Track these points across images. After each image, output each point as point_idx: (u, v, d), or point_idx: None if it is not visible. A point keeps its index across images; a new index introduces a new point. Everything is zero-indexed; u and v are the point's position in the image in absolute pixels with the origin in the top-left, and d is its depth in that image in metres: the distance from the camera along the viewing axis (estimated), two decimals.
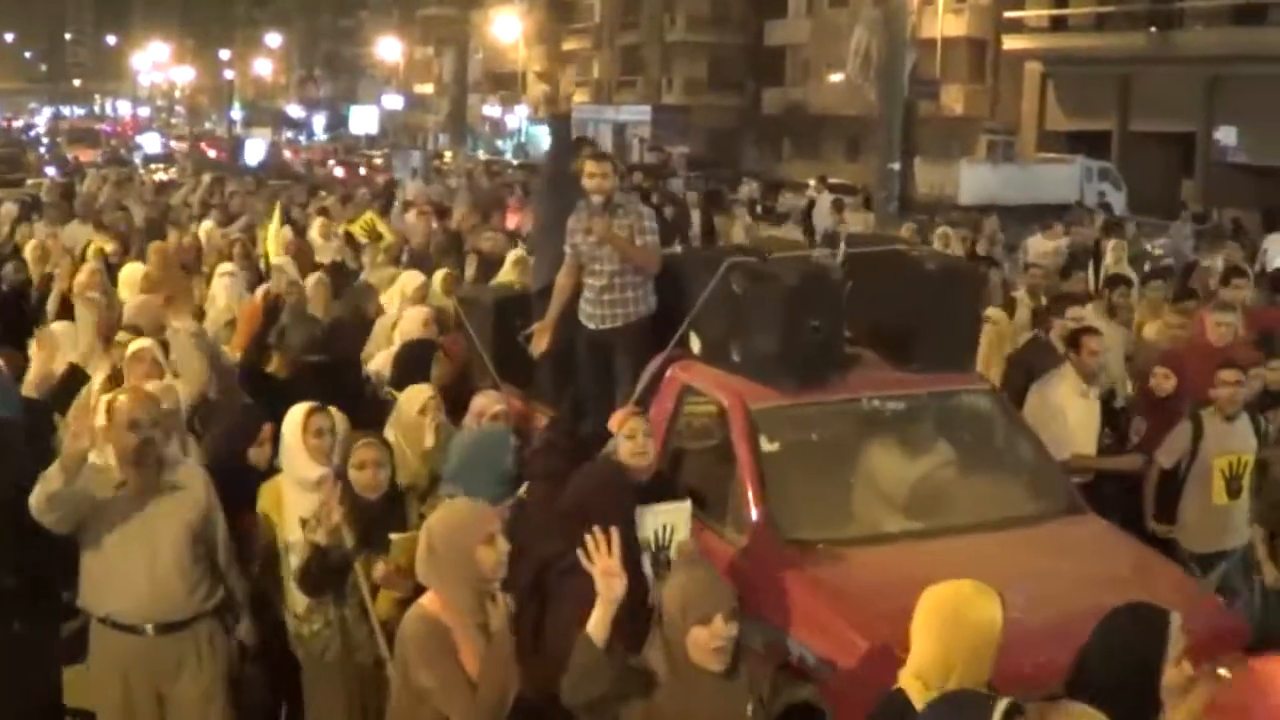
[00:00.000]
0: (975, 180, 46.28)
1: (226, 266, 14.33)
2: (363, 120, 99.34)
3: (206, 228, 19.73)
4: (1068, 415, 10.37)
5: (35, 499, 6.71)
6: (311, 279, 13.79)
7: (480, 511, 5.91)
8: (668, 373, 9.60)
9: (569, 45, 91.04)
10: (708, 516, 8.45)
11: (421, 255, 17.29)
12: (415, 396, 8.61)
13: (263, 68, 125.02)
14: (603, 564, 5.44)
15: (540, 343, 10.39)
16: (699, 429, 9.37)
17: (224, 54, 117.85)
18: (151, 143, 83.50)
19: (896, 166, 27.42)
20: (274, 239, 16.41)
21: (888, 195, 26.84)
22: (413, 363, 10.04)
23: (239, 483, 7.66)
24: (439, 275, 14.11)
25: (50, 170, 47.31)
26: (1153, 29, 49.65)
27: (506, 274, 14.43)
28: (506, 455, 8.41)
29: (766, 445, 8.78)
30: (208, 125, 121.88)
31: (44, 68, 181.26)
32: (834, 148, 66.53)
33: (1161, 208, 43.95)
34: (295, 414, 7.62)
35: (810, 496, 8.81)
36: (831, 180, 40.87)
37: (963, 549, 8.15)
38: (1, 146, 71.93)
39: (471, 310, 11.79)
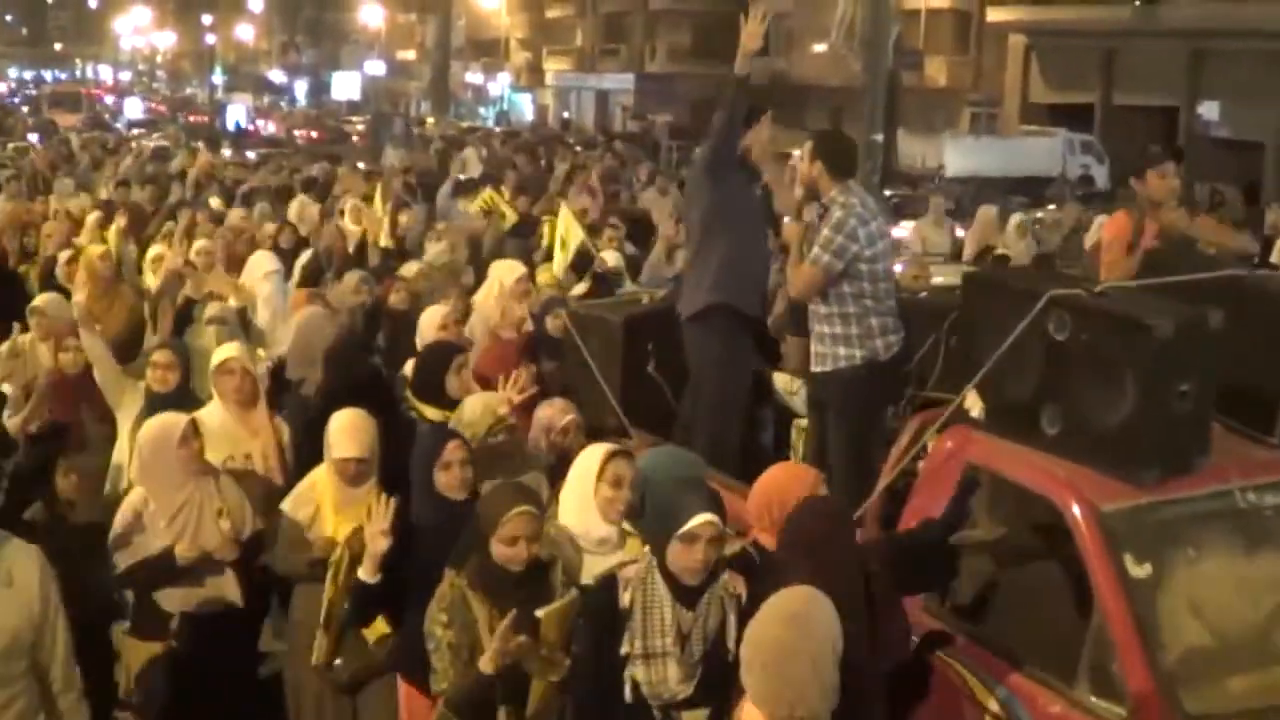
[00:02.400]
0: (959, 153, 46.20)
1: (266, 263, 12.68)
2: (345, 86, 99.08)
3: (235, 215, 18.27)
4: None
5: None
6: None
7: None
8: (937, 445, 7.29)
9: (552, 13, 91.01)
10: (1034, 667, 6.30)
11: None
12: (482, 416, 7.66)
13: (245, 33, 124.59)
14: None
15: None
16: (997, 533, 6.90)
17: (206, 19, 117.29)
18: (133, 108, 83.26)
19: (880, 138, 27.40)
20: (384, 226, 15.28)
21: (871, 166, 26.84)
22: (434, 371, 8.52)
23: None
24: (511, 271, 11.45)
25: (33, 136, 47.12)
26: (1137, 2, 49.57)
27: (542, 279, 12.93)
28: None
29: (1134, 569, 6.25)
30: (189, 90, 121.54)
31: (24, 31, 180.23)
32: (817, 118, 66.20)
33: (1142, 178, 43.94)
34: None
35: (1208, 645, 6.39)
36: None
37: None
38: None
39: (590, 330, 9.70)
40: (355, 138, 62.14)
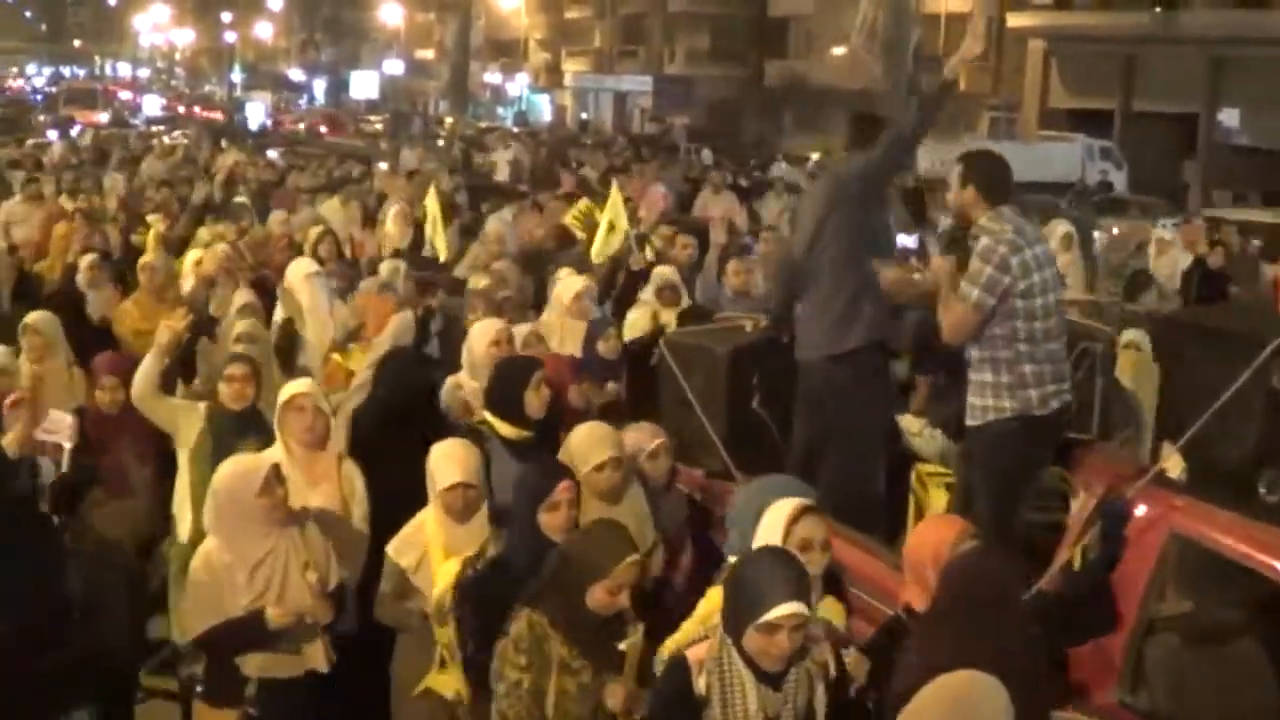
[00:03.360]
0: None
1: (306, 265, 11.59)
2: (363, 85, 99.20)
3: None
4: None
5: None
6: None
7: None
8: (1134, 510, 6.47)
9: (571, 14, 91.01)
10: None
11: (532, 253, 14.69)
12: (594, 448, 7.10)
13: (264, 31, 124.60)
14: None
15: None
16: (1206, 612, 6.10)
17: (225, 16, 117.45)
18: (152, 105, 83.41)
19: None
20: (440, 232, 14.78)
21: None
22: (512, 386, 7.84)
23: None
24: (570, 287, 10.82)
25: (52, 133, 47.16)
26: (1157, 9, 49.43)
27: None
28: None
29: None
30: (208, 88, 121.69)
31: (44, 27, 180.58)
32: (836, 121, 66.10)
33: (1163, 189, 43.94)
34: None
35: None
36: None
37: None
38: (2, 106, 72.08)
39: (691, 362, 8.95)
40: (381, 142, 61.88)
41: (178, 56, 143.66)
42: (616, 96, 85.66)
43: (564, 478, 6.50)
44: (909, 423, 9.15)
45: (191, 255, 13.40)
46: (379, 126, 68.30)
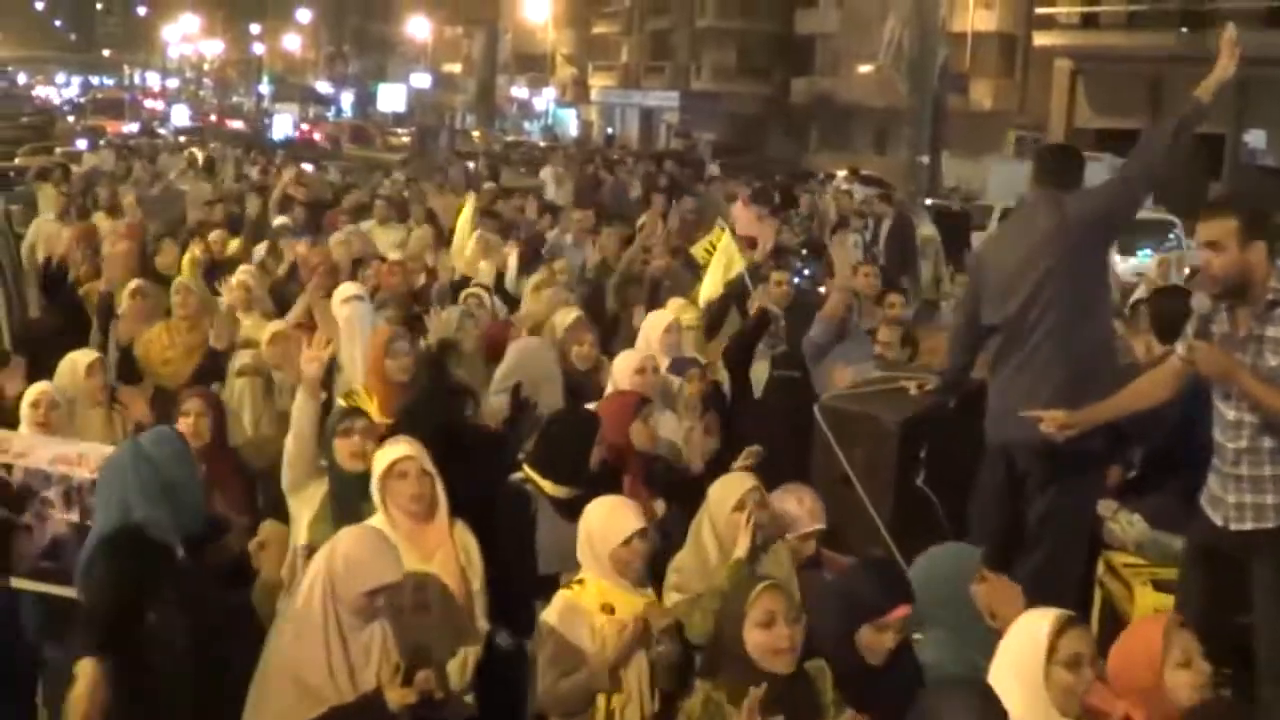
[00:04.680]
0: (1006, 176, 46.14)
1: (346, 288, 10.46)
2: (391, 98, 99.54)
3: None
4: None
5: None
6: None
7: None
8: None
9: (598, 29, 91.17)
10: None
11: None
12: (733, 487, 6.58)
13: (292, 43, 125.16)
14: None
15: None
16: None
17: (254, 28, 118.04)
18: (180, 115, 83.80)
19: (926, 160, 27.51)
20: (466, 247, 13.85)
21: (916, 189, 26.91)
22: (566, 446, 7.18)
23: None
24: (659, 323, 9.89)
25: (82, 142, 47.29)
26: (1184, 29, 49.45)
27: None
28: None
29: None
30: (235, 99, 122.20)
31: (73, 37, 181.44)
32: (862, 139, 66.44)
33: (1189, 209, 43.83)
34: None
35: None
36: (863, 172, 40.57)
37: None
38: (31, 115, 72.43)
39: (854, 434, 7.89)
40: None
41: (206, 67, 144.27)
42: (643, 112, 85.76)
43: (901, 600, 5.46)
44: (1102, 506, 8.05)
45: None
46: (405, 139, 68.49)
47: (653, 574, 6.39)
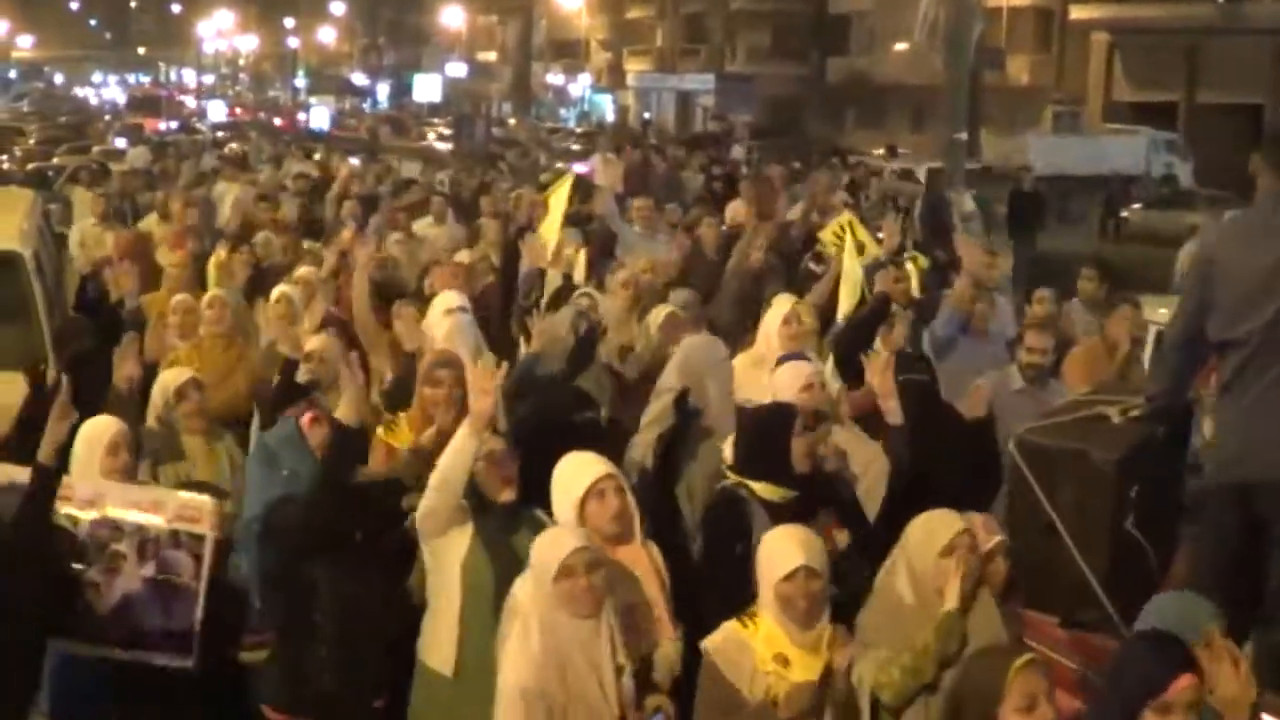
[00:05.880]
0: (1045, 151, 46.02)
1: (448, 299, 9.31)
2: (426, 88, 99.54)
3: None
4: None
5: None
6: None
7: None
8: None
9: (632, 13, 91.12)
10: None
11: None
12: (940, 529, 5.81)
13: (326, 35, 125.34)
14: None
15: None
16: None
17: (288, 22, 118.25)
18: (216, 111, 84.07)
19: (963, 136, 27.42)
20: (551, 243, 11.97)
21: (954, 165, 26.85)
22: (768, 439, 6.63)
23: None
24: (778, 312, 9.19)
25: (120, 141, 47.34)
26: (1222, 0, 49.27)
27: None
28: None
29: None
30: (271, 93, 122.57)
31: (108, 35, 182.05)
32: (898, 118, 66.25)
33: (1229, 181, 43.67)
34: None
35: None
36: (901, 150, 40.49)
37: None
38: (69, 114, 72.84)
39: (1059, 472, 6.71)
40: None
41: (241, 62, 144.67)
42: (679, 95, 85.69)
43: (1180, 669, 4.62)
44: None
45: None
46: (443, 130, 68.44)
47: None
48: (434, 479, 6.12)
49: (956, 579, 5.56)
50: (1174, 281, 16.70)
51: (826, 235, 12.93)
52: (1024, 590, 6.34)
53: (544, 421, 7.47)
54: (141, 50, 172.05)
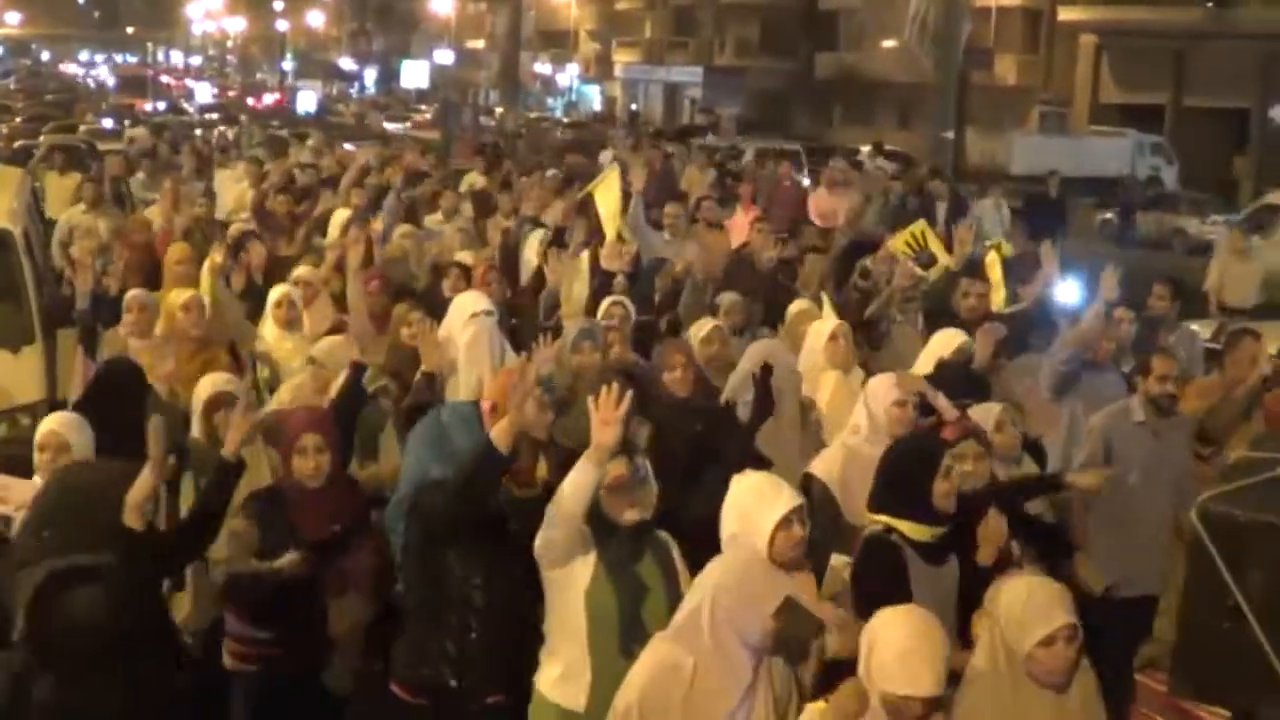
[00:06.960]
0: (1029, 151, 46.12)
1: (473, 303, 8.49)
2: (414, 75, 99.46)
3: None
4: None
5: None
6: None
7: None
8: None
9: (622, 5, 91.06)
10: None
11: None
12: (1042, 605, 5.11)
13: (315, 19, 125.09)
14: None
15: None
16: None
17: (277, 4, 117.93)
18: (204, 93, 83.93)
19: (950, 135, 27.51)
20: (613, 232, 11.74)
21: (943, 163, 26.94)
22: (912, 478, 6.25)
23: None
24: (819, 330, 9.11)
25: (108, 121, 47.21)
26: (1209, 3, 49.38)
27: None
28: None
29: None
30: (259, 76, 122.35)
31: (96, 14, 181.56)
32: (886, 114, 66.29)
33: (1213, 184, 43.88)
34: None
35: None
36: (887, 147, 40.47)
37: None
38: (55, 93, 72.57)
39: (1250, 547, 5.73)
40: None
41: (230, 44, 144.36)
42: (667, 88, 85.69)
43: None
44: None
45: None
46: (427, 116, 68.36)
47: None
48: (552, 510, 5.79)
49: (1063, 662, 5.01)
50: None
51: (898, 244, 12.56)
52: (1191, 677, 5.85)
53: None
54: (129, 30, 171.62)
